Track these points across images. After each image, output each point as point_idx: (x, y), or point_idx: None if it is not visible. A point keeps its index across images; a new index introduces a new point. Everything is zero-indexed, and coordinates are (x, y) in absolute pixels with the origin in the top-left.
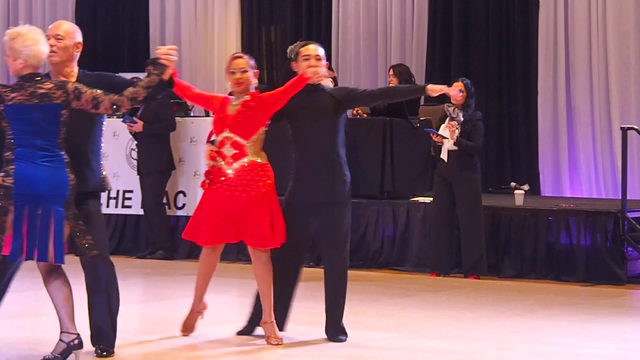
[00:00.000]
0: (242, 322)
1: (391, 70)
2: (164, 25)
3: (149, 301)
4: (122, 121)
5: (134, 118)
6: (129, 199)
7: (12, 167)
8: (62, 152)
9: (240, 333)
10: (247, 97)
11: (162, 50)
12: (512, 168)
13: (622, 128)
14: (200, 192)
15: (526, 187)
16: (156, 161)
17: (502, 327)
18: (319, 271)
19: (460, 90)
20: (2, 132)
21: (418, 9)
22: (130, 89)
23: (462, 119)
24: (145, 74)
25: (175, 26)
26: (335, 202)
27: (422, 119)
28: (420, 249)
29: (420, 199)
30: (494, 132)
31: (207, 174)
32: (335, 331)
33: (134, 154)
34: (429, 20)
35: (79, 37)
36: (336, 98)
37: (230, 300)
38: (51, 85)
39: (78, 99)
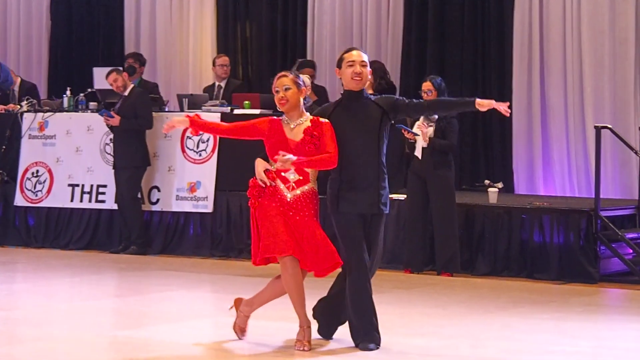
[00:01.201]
0: (215, 317)
1: None
2: (139, 19)
3: (122, 296)
4: (99, 114)
5: (111, 112)
6: (103, 193)
7: None
8: None
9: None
10: (308, 123)
11: None
12: (486, 166)
13: (596, 127)
14: (175, 187)
15: (500, 184)
16: (132, 157)
17: (475, 325)
18: None
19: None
20: None
21: (393, 6)
22: None
23: (436, 116)
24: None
25: (151, 20)
26: (377, 214)
27: None
28: (393, 246)
29: (394, 196)
30: (468, 129)
31: (256, 192)
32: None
33: (108, 149)
34: (405, 17)
35: None
36: (382, 108)
37: (204, 295)
38: None
39: None
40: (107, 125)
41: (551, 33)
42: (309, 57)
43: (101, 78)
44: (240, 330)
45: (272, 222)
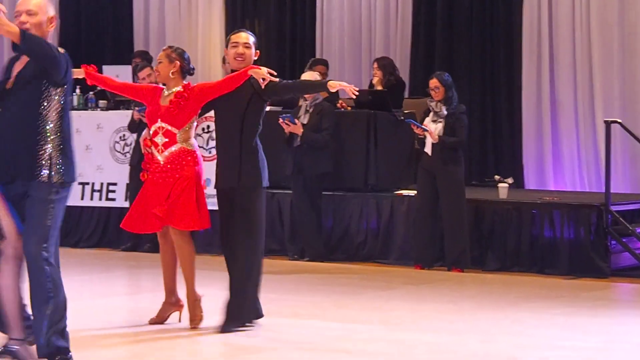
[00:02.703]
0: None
1: (375, 63)
2: (148, 17)
3: (133, 293)
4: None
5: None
6: (113, 191)
7: None
8: None
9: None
10: (180, 89)
11: None
12: (496, 161)
13: (605, 121)
14: None
15: (510, 180)
16: None
17: (486, 320)
18: (304, 264)
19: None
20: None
21: (402, 2)
22: None
23: (445, 112)
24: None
25: (159, 19)
26: (243, 188)
27: (406, 111)
28: (404, 242)
29: (404, 192)
30: (478, 125)
31: (144, 164)
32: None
33: (118, 147)
34: (413, 13)
35: (52, 11)
36: (254, 87)
37: (214, 293)
38: None
39: None
40: (138, 119)
41: (560, 28)
42: (317, 55)
43: (111, 76)
44: (197, 319)
45: (138, 195)
